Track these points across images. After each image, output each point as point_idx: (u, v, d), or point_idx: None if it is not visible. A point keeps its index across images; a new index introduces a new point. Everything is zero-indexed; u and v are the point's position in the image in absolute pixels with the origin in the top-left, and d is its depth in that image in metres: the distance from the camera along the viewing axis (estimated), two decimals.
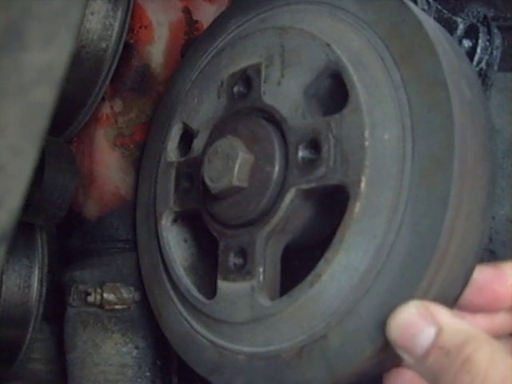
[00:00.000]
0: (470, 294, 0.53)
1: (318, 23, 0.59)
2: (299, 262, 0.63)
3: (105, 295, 0.76)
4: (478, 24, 0.66)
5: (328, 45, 0.56)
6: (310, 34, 0.58)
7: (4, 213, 0.28)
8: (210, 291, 0.63)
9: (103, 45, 0.73)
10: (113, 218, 0.81)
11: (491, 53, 0.61)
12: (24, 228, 0.78)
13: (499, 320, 0.56)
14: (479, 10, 0.73)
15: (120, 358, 0.76)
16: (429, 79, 0.50)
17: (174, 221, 0.71)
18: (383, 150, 0.52)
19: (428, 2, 0.67)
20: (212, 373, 0.63)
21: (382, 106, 0.53)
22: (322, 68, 0.57)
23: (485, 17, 0.67)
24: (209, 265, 0.67)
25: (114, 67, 0.75)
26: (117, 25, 0.74)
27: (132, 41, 0.79)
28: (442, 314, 0.46)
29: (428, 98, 0.50)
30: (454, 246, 0.49)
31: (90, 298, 0.76)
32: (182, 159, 0.70)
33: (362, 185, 0.51)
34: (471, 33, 0.65)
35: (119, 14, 0.74)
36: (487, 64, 0.61)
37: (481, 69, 0.61)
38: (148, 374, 0.77)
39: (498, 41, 0.62)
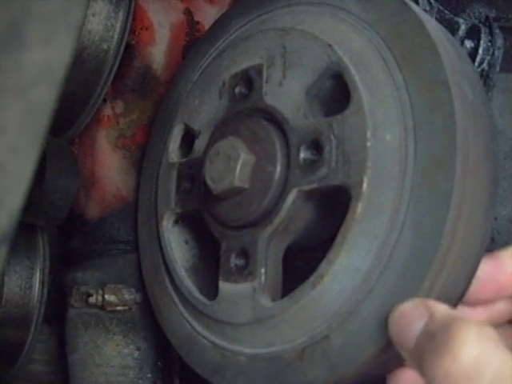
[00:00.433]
0: (474, 291, 0.53)
1: (320, 24, 0.59)
2: (301, 263, 0.63)
3: (106, 296, 0.76)
4: (480, 25, 0.66)
5: (329, 45, 0.56)
6: (312, 35, 0.58)
7: (4, 214, 0.28)
8: (212, 292, 0.63)
9: (104, 46, 0.73)
10: (114, 219, 0.81)
11: (493, 53, 0.61)
12: (25, 229, 0.78)
13: (498, 308, 0.55)
14: (481, 10, 0.73)
15: (121, 359, 0.76)
16: (431, 79, 0.50)
17: (176, 222, 0.71)
18: (385, 151, 0.52)
19: (430, 3, 0.67)
20: (213, 374, 0.63)
21: (384, 106, 0.53)
22: (323, 69, 0.57)
23: (486, 17, 0.67)
24: (210, 266, 0.67)
25: (115, 68, 0.75)
26: (118, 26, 0.74)
27: (133, 42, 0.79)
28: (437, 305, 0.46)
29: (430, 98, 0.50)
30: (457, 246, 0.49)
31: (92, 300, 0.76)
32: (184, 160, 0.70)
33: (364, 185, 0.51)
34: (473, 33, 0.65)
35: (120, 15, 0.74)
36: (489, 65, 0.60)
37: (483, 69, 0.61)
38: (149, 375, 0.77)
39: (499, 41, 0.62)
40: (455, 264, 0.49)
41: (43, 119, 0.27)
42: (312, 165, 0.55)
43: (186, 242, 0.71)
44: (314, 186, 0.55)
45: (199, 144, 0.68)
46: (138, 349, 0.77)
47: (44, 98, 0.27)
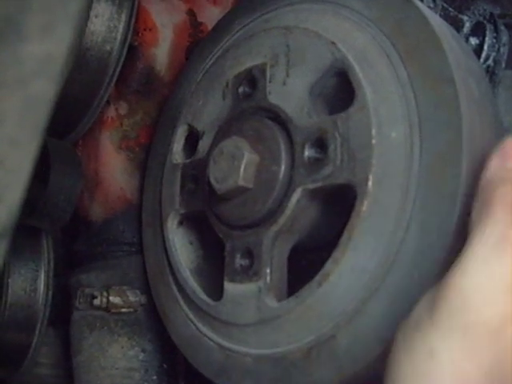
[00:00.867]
0: None
1: (323, 22, 0.59)
2: (306, 262, 0.63)
3: (111, 298, 0.75)
4: (485, 22, 0.66)
5: (333, 43, 0.56)
6: (315, 33, 0.58)
7: (4, 208, 0.28)
8: (217, 293, 0.63)
9: (108, 47, 0.73)
10: (118, 221, 0.80)
11: (498, 50, 0.60)
12: (30, 232, 0.78)
13: None
14: (485, 7, 0.72)
15: (126, 361, 0.75)
16: (435, 76, 0.50)
17: (180, 223, 0.70)
18: (390, 148, 0.51)
19: (433, 0, 0.66)
20: (219, 375, 0.62)
21: (389, 103, 0.52)
22: (327, 67, 0.56)
23: (491, 14, 0.67)
24: (215, 266, 0.67)
25: (118, 69, 0.75)
26: (121, 27, 0.74)
27: (136, 43, 0.79)
28: None
29: (435, 94, 0.50)
30: (464, 243, 0.48)
31: (96, 302, 0.76)
32: (188, 161, 0.70)
33: (370, 183, 0.51)
34: (478, 30, 0.64)
35: (123, 16, 0.74)
36: (494, 61, 0.60)
37: (488, 66, 0.60)
38: (155, 377, 0.76)
39: (505, 38, 0.61)
40: None
41: (43, 112, 0.27)
42: (317, 163, 0.55)
43: (191, 243, 0.71)
44: (319, 184, 0.54)
45: (203, 144, 0.67)
46: (143, 351, 0.76)
47: (43, 90, 0.27)
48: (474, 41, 0.63)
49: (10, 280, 0.75)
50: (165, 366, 0.77)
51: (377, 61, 0.54)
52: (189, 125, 0.71)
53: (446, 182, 0.48)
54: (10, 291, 0.74)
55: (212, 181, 0.60)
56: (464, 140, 0.48)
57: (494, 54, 0.60)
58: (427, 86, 0.50)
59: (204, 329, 0.64)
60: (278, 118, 0.59)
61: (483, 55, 0.60)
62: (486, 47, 0.61)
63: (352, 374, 0.51)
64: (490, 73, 0.60)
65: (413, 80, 0.51)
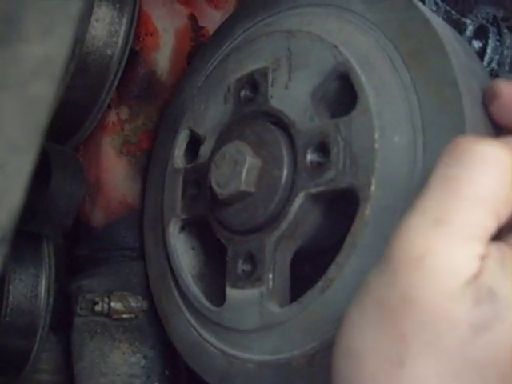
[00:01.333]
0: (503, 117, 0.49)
1: (325, 25, 0.59)
2: (309, 267, 0.62)
3: (112, 304, 0.75)
4: (488, 25, 0.65)
5: (335, 46, 0.56)
6: (318, 37, 0.57)
7: (3, 213, 0.27)
8: (219, 299, 0.62)
9: (109, 52, 0.73)
10: (120, 226, 0.80)
11: (502, 53, 0.60)
12: (31, 237, 0.78)
13: None
14: (488, 11, 0.72)
15: (128, 367, 0.75)
16: (439, 79, 0.50)
17: (182, 228, 0.70)
18: (393, 152, 0.51)
19: (436, 4, 0.66)
20: (221, 382, 0.62)
21: (392, 107, 0.52)
22: (329, 70, 0.56)
23: (494, 17, 0.66)
24: (217, 272, 0.66)
25: (119, 74, 0.74)
26: (122, 31, 0.73)
27: (138, 48, 0.78)
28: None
29: (438, 98, 0.49)
30: None
31: (98, 307, 0.75)
32: (189, 166, 0.69)
33: (372, 187, 0.50)
34: (481, 33, 0.64)
35: (124, 20, 0.74)
36: (498, 64, 0.60)
37: (492, 69, 0.60)
38: None
39: (508, 41, 0.61)
40: None
41: (43, 114, 0.27)
42: (319, 167, 0.54)
43: (193, 249, 0.70)
44: (322, 188, 0.54)
45: (205, 149, 0.67)
46: (145, 357, 0.76)
47: (43, 92, 0.26)
48: (477, 44, 0.63)
49: (10, 286, 0.74)
50: (166, 372, 0.77)
51: (379, 64, 0.53)
52: (190, 129, 0.70)
53: None
54: (10, 297, 0.74)
55: (214, 185, 0.60)
56: None
57: (497, 56, 0.60)
58: (430, 90, 0.50)
59: (206, 335, 0.64)
60: (280, 122, 0.59)
61: (486, 58, 0.60)
62: (489, 50, 0.60)
63: None
64: (494, 76, 0.60)
65: (416, 83, 0.51)
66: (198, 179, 0.67)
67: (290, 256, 0.58)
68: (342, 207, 0.57)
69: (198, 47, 0.80)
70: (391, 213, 0.50)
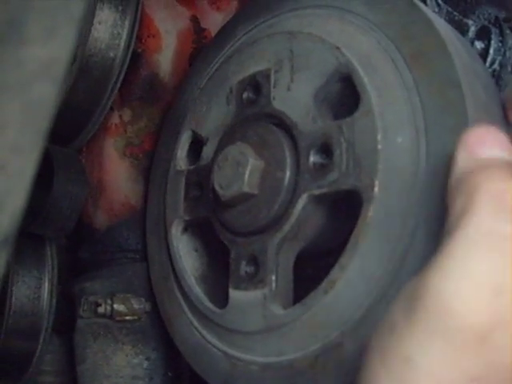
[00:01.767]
0: None
1: (327, 27, 0.59)
2: (312, 269, 0.62)
3: (115, 306, 0.75)
4: (490, 25, 0.65)
5: (337, 48, 0.56)
6: (319, 38, 0.57)
7: (5, 215, 0.27)
8: (222, 301, 0.62)
9: (111, 54, 0.73)
10: (122, 228, 0.80)
11: (504, 54, 0.60)
12: (34, 239, 0.78)
13: None
14: (490, 12, 0.71)
15: (131, 369, 0.75)
16: (442, 80, 0.49)
17: (185, 230, 0.70)
18: (396, 153, 0.51)
19: (438, 5, 0.66)
20: None
21: (395, 108, 0.52)
22: (331, 71, 0.56)
23: (496, 18, 0.66)
24: (220, 274, 0.66)
25: (122, 76, 0.74)
26: (125, 34, 0.74)
27: (140, 50, 0.78)
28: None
29: (441, 98, 0.49)
30: None
31: (101, 309, 0.75)
32: (192, 167, 0.69)
33: (376, 189, 0.50)
34: (483, 34, 0.64)
35: (127, 23, 0.74)
36: (500, 65, 0.59)
37: (494, 70, 0.60)
38: None
39: (510, 42, 0.61)
40: None
41: (45, 116, 0.27)
42: (322, 169, 0.54)
43: (195, 250, 0.70)
44: (325, 190, 0.54)
45: (207, 151, 0.67)
46: (148, 359, 0.76)
47: (45, 94, 0.26)
48: (479, 45, 0.63)
49: (13, 288, 0.74)
50: (169, 374, 0.77)
51: (382, 65, 0.53)
52: (193, 131, 0.70)
53: None
54: (13, 299, 0.74)
55: (216, 187, 0.60)
56: None
57: (499, 57, 0.60)
58: (433, 90, 0.50)
59: (209, 337, 0.64)
60: (282, 124, 0.59)
61: (489, 59, 0.60)
62: (491, 51, 0.60)
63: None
64: (496, 77, 0.60)
65: (418, 84, 0.51)
66: (200, 181, 0.67)
67: (292, 258, 0.58)
68: (344, 209, 0.57)
69: (200, 49, 0.81)
70: (394, 214, 0.50)
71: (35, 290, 0.76)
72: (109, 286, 0.77)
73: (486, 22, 0.68)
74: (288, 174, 0.56)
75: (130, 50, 0.74)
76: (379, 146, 0.51)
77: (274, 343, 0.57)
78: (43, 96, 0.26)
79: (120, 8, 0.73)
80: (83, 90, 0.73)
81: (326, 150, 0.54)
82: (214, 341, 0.63)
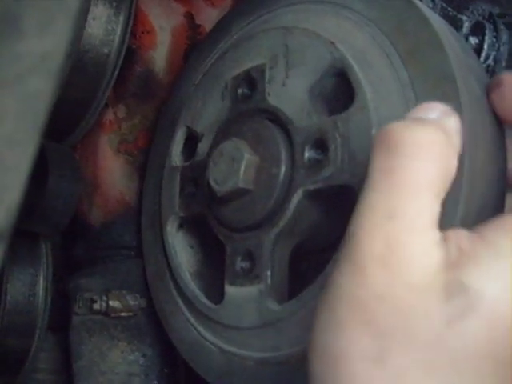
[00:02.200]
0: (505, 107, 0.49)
1: (322, 22, 0.59)
2: (308, 264, 0.62)
3: (110, 302, 0.75)
4: (484, 21, 0.66)
5: (332, 43, 0.56)
6: (314, 33, 0.57)
7: (1, 210, 0.27)
8: (218, 297, 0.62)
9: (105, 50, 0.72)
10: (117, 225, 0.80)
11: (498, 49, 0.60)
12: (28, 237, 0.78)
13: None
14: (484, 7, 0.72)
15: (127, 366, 0.75)
16: (436, 75, 0.50)
17: (180, 226, 0.70)
18: None
19: (432, 0, 0.66)
20: (220, 380, 0.62)
21: (389, 103, 0.52)
22: (326, 67, 0.56)
23: (490, 14, 0.67)
24: (215, 270, 0.66)
25: (116, 72, 0.74)
26: (119, 30, 0.73)
27: (134, 46, 0.78)
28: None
29: (436, 94, 0.49)
30: None
31: (96, 306, 0.75)
32: (187, 163, 0.69)
33: None
34: (477, 30, 0.64)
35: (121, 19, 0.74)
36: (495, 60, 0.60)
37: (488, 65, 0.60)
38: (155, 382, 0.76)
39: (505, 37, 0.61)
40: None
41: (41, 109, 0.27)
42: (317, 164, 0.54)
43: (191, 247, 0.70)
44: (320, 185, 0.54)
45: (202, 147, 0.67)
46: (144, 355, 0.76)
47: (41, 87, 0.26)
48: (473, 40, 0.63)
49: (8, 285, 0.74)
50: (165, 370, 0.76)
51: (377, 61, 0.53)
52: (188, 127, 0.70)
53: None
54: (8, 296, 0.74)
55: (212, 183, 0.60)
56: (466, 139, 0.47)
57: (494, 53, 0.60)
58: (428, 86, 0.50)
59: (205, 333, 0.64)
60: (277, 120, 0.59)
61: (483, 54, 0.60)
62: (485, 46, 0.60)
63: None
64: (491, 72, 0.60)
65: (413, 79, 0.51)
66: (195, 177, 0.67)
67: (288, 253, 0.58)
68: (340, 204, 0.57)
69: (195, 45, 0.80)
70: None
71: (30, 288, 0.75)
72: (104, 283, 0.77)
73: (480, 18, 0.68)
74: (283, 169, 0.56)
75: (125, 46, 0.74)
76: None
77: (270, 338, 0.57)
78: (39, 90, 0.26)
79: (114, 4, 0.73)
80: (77, 86, 0.72)
81: (321, 145, 0.54)
82: (210, 337, 0.63)
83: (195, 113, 0.69)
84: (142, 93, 0.80)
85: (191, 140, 0.70)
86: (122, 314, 0.75)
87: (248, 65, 0.63)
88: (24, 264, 0.76)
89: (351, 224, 0.40)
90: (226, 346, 0.61)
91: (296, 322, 0.55)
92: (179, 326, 0.68)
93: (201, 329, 0.65)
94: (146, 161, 0.79)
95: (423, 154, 0.40)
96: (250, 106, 0.62)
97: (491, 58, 0.60)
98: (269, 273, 0.56)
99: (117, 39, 0.73)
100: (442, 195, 0.41)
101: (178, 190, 0.69)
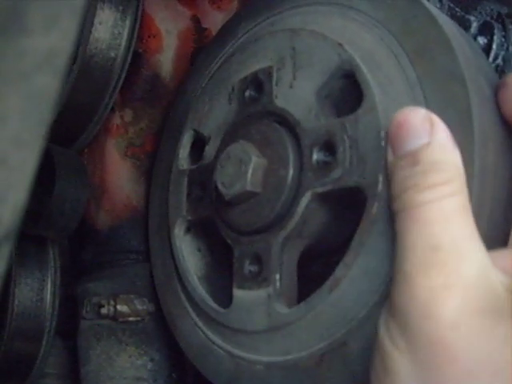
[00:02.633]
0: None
1: (329, 24, 0.58)
2: (317, 267, 0.62)
3: (118, 307, 0.75)
4: (492, 21, 0.65)
5: (340, 44, 0.55)
6: (322, 35, 0.57)
7: (7, 210, 0.27)
8: (226, 300, 0.62)
9: (112, 54, 0.72)
10: (125, 229, 0.80)
11: (507, 48, 0.60)
12: (36, 241, 0.78)
13: None
14: (492, 7, 0.71)
15: (135, 370, 0.74)
16: (445, 75, 0.49)
17: (188, 230, 0.70)
18: None
19: (440, 1, 0.66)
20: None
21: (398, 104, 0.51)
22: (334, 68, 0.56)
23: (499, 14, 0.66)
24: (223, 273, 0.66)
25: (123, 77, 0.74)
26: (125, 34, 0.73)
27: (141, 50, 0.78)
28: (442, 131, 0.46)
29: (445, 94, 0.49)
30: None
31: (104, 310, 0.75)
32: (194, 167, 0.69)
33: (380, 186, 0.50)
34: (485, 30, 0.64)
35: (128, 23, 0.74)
36: (504, 60, 0.59)
37: (497, 65, 0.59)
38: None
39: None
40: None
41: (46, 108, 0.26)
42: (325, 166, 0.54)
43: (199, 250, 0.70)
44: (328, 187, 0.53)
45: (209, 150, 0.67)
46: (152, 360, 0.75)
47: (46, 85, 0.26)
48: (482, 40, 0.62)
49: (16, 290, 0.74)
50: (174, 375, 0.76)
51: (385, 61, 0.53)
52: (195, 130, 0.70)
53: None
54: (16, 301, 0.74)
55: (219, 186, 0.59)
56: (476, 140, 0.47)
57: (503, 52, 0.60)
58: (437, 86, 0.50)
59: (213, 337, 0.63)
60: (285, 122, 0.58)
61: (492, 54, 0.59)
62: (494, 46, 0.60)
63: (365, 381, 0.50)
64: (500, 72, 0.59)
65: (422, 80, 0.51)
66: (203, 180, 0.67)
67: (297, 256, 0.58)
68: (349, 206, 0.56)
69: (202, 48, 0.80)
70: None
71: (38, 292, 0.75)
72: (112, 287, 0.77)
73: (488, 18, 0.68)
74: (291, 171, 0.56)
75: (131, 50, 0.74)
76: (383, 143, 0.50)
77: (278, 342, 0.56)
78: (44, 87, 0.26)
79: (121, 8, 0.73)
80: (84, 90, 0.72)
81: (329, 147, 0.54)
82: (218, 341, 0.63)
83: (202, 116, 0.69)
84: (149, 97, 0.80)
85: (198, 143, 0.70)
86: (130, 319, 0.75)
87: (255, 67, 0.62)
88: (32, 269, 0.76)
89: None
90: (234, 350, 0.61)
91: (305, 326, 0.54)
92: (187, 330, 0.68)
93: (209, 333, 0.64)
94: (152, 165, 0.79)
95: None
96: (257, 109, 0.61)
97: (500, 57, 0.60)
98: (277, 276, 0.56)
99: (123, 43, 0.73)
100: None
101: (185, 193, 0.69)
